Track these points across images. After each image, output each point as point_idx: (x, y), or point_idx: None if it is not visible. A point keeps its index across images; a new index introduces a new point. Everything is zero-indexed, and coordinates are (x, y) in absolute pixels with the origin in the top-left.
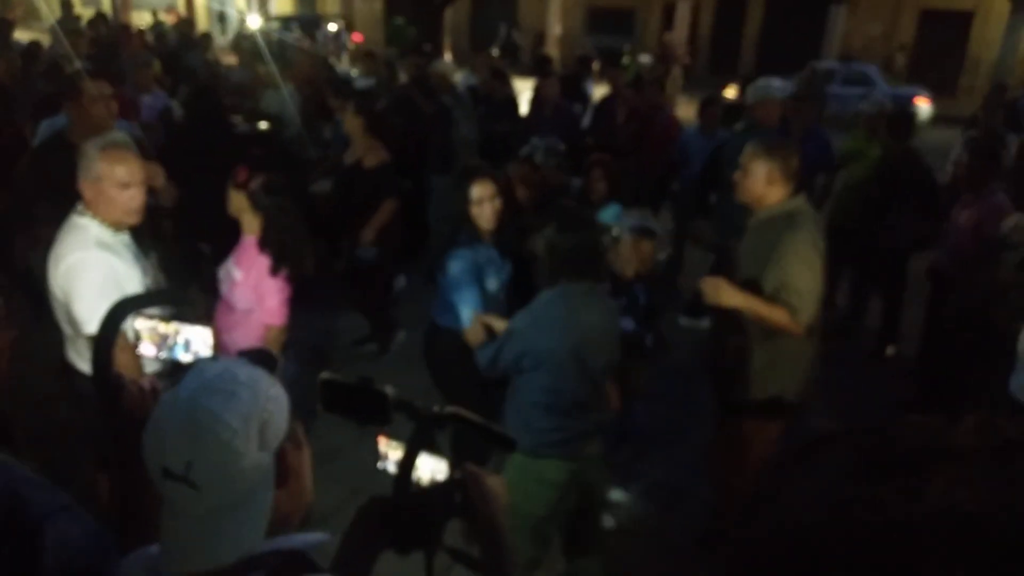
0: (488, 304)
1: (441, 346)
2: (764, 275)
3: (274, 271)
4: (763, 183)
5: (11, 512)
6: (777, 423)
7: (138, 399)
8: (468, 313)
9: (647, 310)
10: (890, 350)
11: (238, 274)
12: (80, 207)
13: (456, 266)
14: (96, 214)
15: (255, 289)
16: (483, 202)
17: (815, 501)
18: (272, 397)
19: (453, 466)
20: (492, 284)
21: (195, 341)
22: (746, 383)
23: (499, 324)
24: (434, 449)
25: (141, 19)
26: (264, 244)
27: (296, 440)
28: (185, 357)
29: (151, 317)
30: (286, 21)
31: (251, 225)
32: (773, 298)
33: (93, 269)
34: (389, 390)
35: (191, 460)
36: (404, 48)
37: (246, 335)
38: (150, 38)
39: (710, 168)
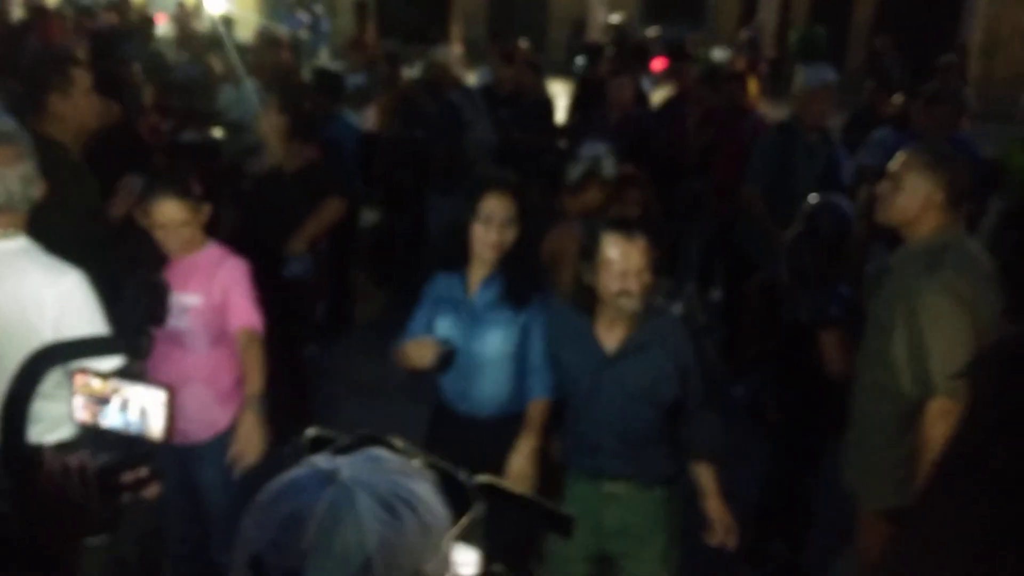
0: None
1: None
2: (892, 339)
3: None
4: (919, 205)
5: None
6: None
7: (59, 480)
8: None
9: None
10: None
11: (194, 299)
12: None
13: (427, 288)
14: None
15: (221, 308)
16: (492, 222)
17: None
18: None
19: (487, 559)
20: (444, 328)
21: (145, 405)
22: None
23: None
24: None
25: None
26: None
27: None
28: (139, 427)
29: (85, 372)
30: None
31: (197, 241)
32: (905, 373)
33: None
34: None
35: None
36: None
37: (213, 383)
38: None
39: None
